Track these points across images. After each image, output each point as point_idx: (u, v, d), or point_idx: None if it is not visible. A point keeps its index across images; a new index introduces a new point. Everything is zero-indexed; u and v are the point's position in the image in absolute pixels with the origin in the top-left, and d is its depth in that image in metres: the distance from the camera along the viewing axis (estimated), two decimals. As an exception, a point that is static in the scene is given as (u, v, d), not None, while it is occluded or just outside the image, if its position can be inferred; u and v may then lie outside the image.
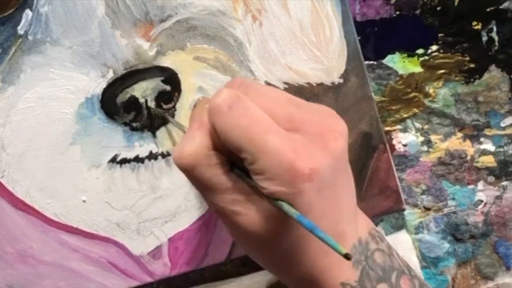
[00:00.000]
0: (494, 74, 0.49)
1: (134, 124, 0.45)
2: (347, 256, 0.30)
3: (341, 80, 0.46)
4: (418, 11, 0.48)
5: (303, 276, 0.36)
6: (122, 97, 0.44)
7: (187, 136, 0.35)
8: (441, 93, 0.49)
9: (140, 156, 0.45)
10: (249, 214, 0.34)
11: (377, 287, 0.36)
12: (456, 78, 0.49)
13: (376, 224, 0.50)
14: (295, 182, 0.32)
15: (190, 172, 0.35)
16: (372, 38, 0.48)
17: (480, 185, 0.50)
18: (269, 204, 0.33)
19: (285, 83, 0.46)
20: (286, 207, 0.32)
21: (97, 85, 0.44)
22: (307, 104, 0.36)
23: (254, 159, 0.32)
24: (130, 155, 0.45)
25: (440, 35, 0.48)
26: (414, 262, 0.49)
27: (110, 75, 0.44)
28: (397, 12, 0.48)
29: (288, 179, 0.32)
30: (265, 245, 0.36)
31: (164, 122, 0.45)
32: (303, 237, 0.34)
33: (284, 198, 0.33)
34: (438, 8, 0.48)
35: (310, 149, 0.33)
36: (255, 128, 0.33)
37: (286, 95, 0.36)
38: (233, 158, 0.35)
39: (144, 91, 0.44)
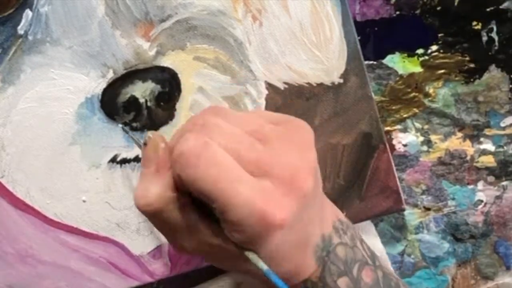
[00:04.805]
0: (494, 74, 0.49)
1: (134, 124, 0.45)
2: None
3: (341, 80, 0.46)
4: (418, 11, 0.48)
5: (266, 279, 0.36)
6: (122, 97, 0.44)
7: (146, 179, 0.34)
8: (441, 93, 0.49)
9: (140, 156, 0.45)
10: (215, 254, 0.35)
11: (337, 281, 0.36)
12: (456, 78, 0.49)
13: (376, 224, 0.50)
14: (266, 232, 0.32)
15: (157, 217, 0.34)
16: (372, 38, 0.48)
17: (480, 185, 0.50)
18: (237, 250, 0.34)
19: (285, 83, 0.46)
20: (255, 259, 0.33)
21: (97, 85, 0.44)
22: (275, 136, 0.35)
23: (224, 210, 0.32)
24: (130, 155, 0.45)
25: (440, 35, 0.48)
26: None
27: (110, 75, 0.44)
28: (397, 12, 0.48)
29: (259, 230, 0.32)
30: (228, 267, 0.37)
31: (164, 122, 0.45)
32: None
33: (252, 246, 0.33)
34: (438, 8, 0.48)
35: (280, 197, 0.33)
36: (224, 178, 0.32)
37: (251, 127, 0.35)
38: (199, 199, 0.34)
39: (144, 91, 0.44)
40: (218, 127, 0.34)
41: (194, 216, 0.34)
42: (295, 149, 0.34)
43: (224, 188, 0.32)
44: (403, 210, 0.49)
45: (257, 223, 0.32)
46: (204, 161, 0.32)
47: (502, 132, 0.50)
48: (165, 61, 0.44)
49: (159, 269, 0.47)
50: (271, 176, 0.33)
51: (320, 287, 0.36)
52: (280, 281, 0.32)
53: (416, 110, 0.49)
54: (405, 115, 0.49)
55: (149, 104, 0.44)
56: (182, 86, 0.45)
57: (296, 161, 0.34)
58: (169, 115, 0.45)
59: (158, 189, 0.34)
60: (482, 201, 0.50)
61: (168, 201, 0.34)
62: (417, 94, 0.49)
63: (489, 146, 0.50)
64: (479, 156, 0.50)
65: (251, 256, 0.33)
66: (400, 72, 0.49)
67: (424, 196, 0.50)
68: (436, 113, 0.49)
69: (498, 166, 0.50)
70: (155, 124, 0.45)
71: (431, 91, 0.49)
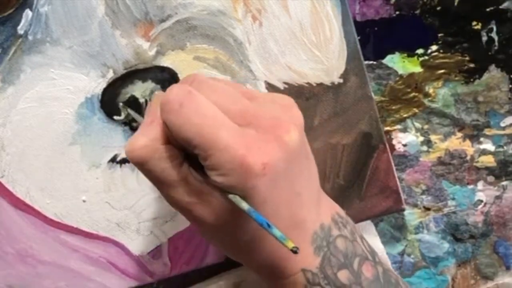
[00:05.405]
0: (494, 74, 0.49)
1: (134, 124, 0.45)
2: (294, 251, 0.31)
3: (341, 80, 0.46)
4: (418, 11, 0.48)
5: (265, 262, 0.36)
6: (122, 97, 0.44)
7: (140, 130, 0.35)
8: (441, 93, 0.49)
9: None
10: (204, 205, 0.35)
11: (338, 273, 0.36)
12: (456, 78, 0.49)
13: (376, 224, 0.50)
14: (248, 177, 0.32)
15: (142, 166, 0.35)
16: (372, 38, 0.48)
17: (480, 185, 0.50)
18: (223, 197, 0.34)
19: (285, 83, 0.46)
20: (238, 200, 0.33)
21: (97, 85, 0.44)
22: (262, 96, 0.37)
23: (206, 155, 0.33)
24: (130, 155, 0.45)
25: (440, 35, 0.48)
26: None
27: (110, 75, 0.44)
28: (397, 12, 0.48)
29: (241, 175, 0.32)
30: (224, 235, 0.36)
31: None
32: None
33: (237, 192, 0.33)
34: (438, 8, 0.48)
35: (263, 143, 0.33)
36: (206, 125, 0.33)
37: (240, 88, 0.37)
38: (188, 151, 0.35)
39: (144, 91, 0.44)
40: (206, 83, 0.35)
41: (185, 166, 0.35)
42: (280, 107, 0.36)
43: (205, 134, 0.32)
44: (403, 210, 0.49)
45: (239, 167, 0.32)
46: (187, 108, 0.33)
47: (502, 132, 0.50)
48: (165, 61, 0.44)
49: (159, 269, 0.47)
50: (255, 126, 0.34)
51: (320, 279, 0.36)
52: (264, 220, 0.32)
53: (416, 110, 0.49)
54: (405, 115, 0.49)
55: (149, 104, 0.44)
56: (182, 86, 0.45)
57: (281, 114, 0.35)
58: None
59: (145, 139, 0.34)
60: (482, 201, 0.50)
61: (153, 151, 0.34)
62: (417, 94, 0.49)
63: (489, 146, 0.50)
64: (479, 156, 0.50)
65: (234, 198, 0.33)
66: (400, 72, 0.49)
67: (424, 196, 0.50)
68: (436, 113, 0.49)
69: (498, 166, 0.50)
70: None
71: (431, 91, 0.49)
